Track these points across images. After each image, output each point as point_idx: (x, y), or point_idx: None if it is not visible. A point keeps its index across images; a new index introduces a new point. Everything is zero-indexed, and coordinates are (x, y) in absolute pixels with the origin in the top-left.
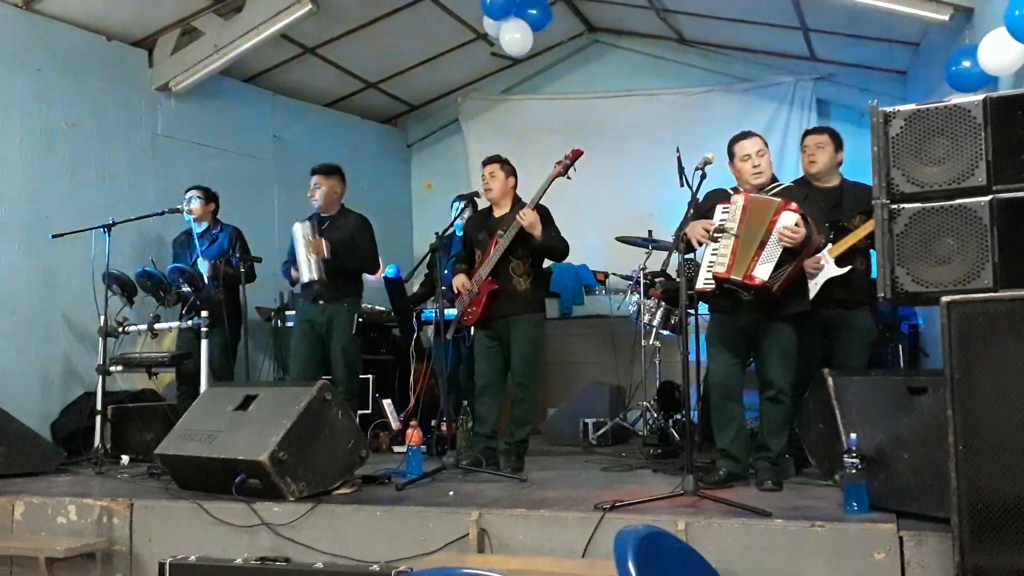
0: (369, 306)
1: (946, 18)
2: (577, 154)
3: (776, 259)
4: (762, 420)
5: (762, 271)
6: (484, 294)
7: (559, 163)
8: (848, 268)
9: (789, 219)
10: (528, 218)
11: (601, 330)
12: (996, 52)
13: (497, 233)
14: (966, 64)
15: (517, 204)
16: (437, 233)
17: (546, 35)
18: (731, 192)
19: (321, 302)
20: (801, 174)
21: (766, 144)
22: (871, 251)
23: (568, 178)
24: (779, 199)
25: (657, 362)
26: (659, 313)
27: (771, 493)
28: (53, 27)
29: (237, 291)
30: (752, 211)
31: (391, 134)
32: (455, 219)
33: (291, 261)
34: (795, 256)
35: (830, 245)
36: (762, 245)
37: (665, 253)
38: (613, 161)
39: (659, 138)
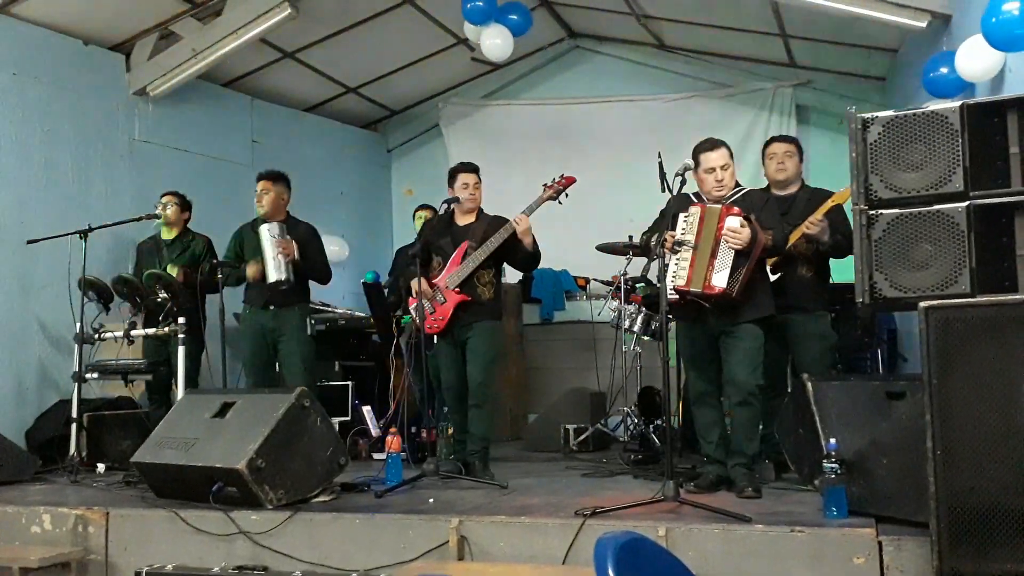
0: (349, 312)
1: (924, 25)
2: (569, 181)
3: (730, 265)
4: (733, 424)
5: (719, 279)
6: (452, 304)
7: (549, 186)
8: (778, 275)
9: (733, 222)
10: (523, 224)
11: (582, 336)
12: (973, 59)
13: (467, 243)
14: (943, 71)
15: (482, 215)
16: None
17: (527, 41)
18: (692, 199)
19: (272, 307)
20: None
21: (731, 155)
22: (827, 258)
23: (559, 203)
24: (721, 206)
25: (638, 368)
26: (639, 319)
27: (751, 499)
28: (29, 31)
29: (204, 299)
30: (704, 221)
31: (371, 139)
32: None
33: (232, 265)
34: (747, 258)
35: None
36: (714, 254)
37: (645, 259)
38: (594, 166)
39: (640, 144)
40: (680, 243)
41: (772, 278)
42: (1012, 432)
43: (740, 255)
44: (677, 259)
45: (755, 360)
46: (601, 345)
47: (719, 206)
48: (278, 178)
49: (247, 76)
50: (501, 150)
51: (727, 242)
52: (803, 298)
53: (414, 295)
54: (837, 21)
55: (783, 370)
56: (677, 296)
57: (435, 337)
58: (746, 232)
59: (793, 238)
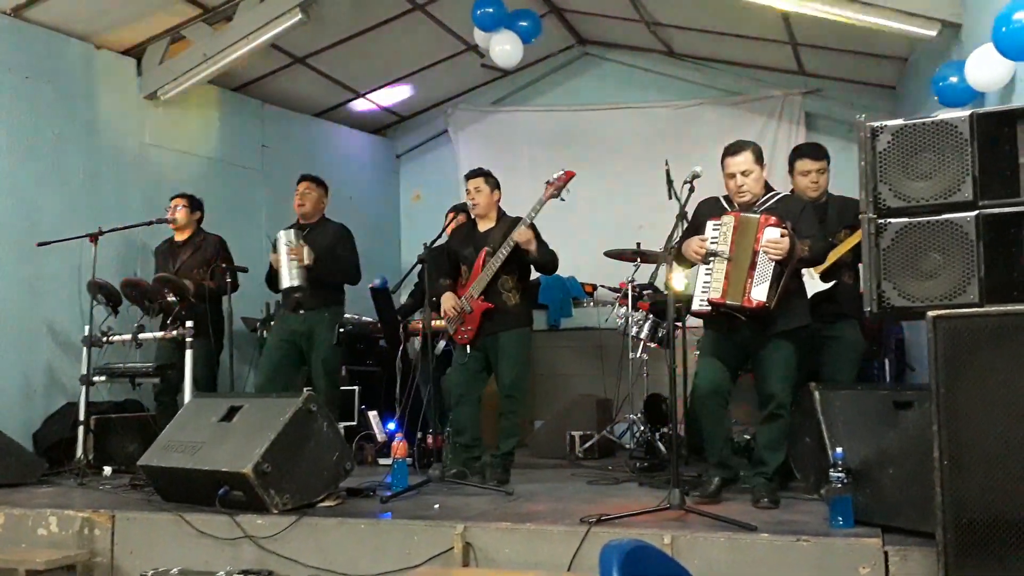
0: (356, 317)
1: (934, 34)
2: (569, 176)
3: (770, 277)
4: (760, 435)
5: (759, 292)
6: (478, 313)
7: (550, 184)
8: (833, 283)
9: (772, 233)
10: (524, 236)
11: (589, 342)
12: (983, 68)
13: (485, 250)
14: (953, 80)
15: (502, 218)
16: (425, 244)
17: (536, 47)
18: (724, 204)
19: (302, 311)
20: (787, 188)
21: (759, 157)
22: (859, 265)
23: (562, 199)
24: (759, 215)
25: (644, 375)
26: (647, 326)
27: (758, 509)
28: (41, 35)
29: (220, 301)
30: (740, 232)
31: (380, 144)
32: (443, 230)
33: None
34: (784, 268)
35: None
36: (753, 265)
37: (653, 266)
38: (602, 173)
39: (648, 151)
40: (713, 254)
41: (825, 286)
42: (1020, 442)
43: (777, 265)
44: (709, 269)
45: (789, 373)
46: (608, 352)
47: (756, 216)
48: (321, 181)
49: (257, 81)
50: (510, 156)
51: (767, 253)
52: (849, 305)
53: (443, 312)
54: (847, 29)
55: (803, 381)
56: (709, 308)
57: (467, 347)
58: (786, 242)
59: (842, 249)
